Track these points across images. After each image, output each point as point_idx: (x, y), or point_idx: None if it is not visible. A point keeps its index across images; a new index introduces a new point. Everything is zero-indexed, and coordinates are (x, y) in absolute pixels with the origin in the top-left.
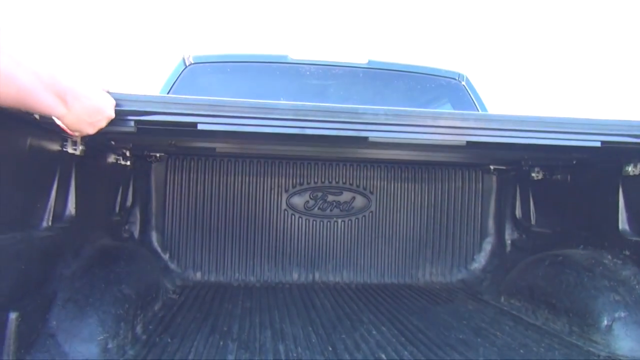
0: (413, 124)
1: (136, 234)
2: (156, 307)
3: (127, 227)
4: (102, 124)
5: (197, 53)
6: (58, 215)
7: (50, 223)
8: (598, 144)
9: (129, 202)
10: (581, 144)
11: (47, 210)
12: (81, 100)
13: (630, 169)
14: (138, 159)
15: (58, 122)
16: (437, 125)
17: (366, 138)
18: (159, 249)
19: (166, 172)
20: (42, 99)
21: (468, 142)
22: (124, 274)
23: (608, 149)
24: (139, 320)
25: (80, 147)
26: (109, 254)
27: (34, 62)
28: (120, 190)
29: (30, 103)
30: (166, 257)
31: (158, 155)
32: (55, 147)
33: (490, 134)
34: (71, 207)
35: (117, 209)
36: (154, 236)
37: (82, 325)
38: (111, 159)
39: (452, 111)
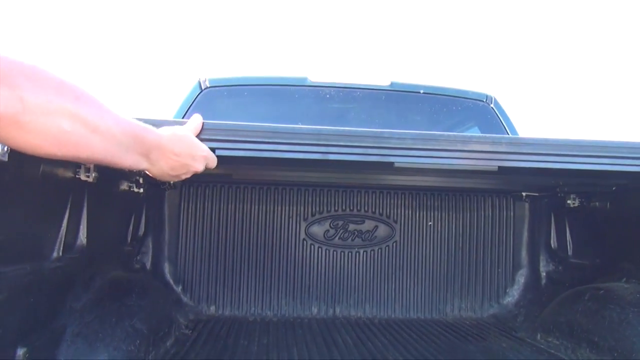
0: (441, 148)
1: (148, 264)
2: (168, 343)
3: (139, 257)
4: (187, 175)
5: (213, 76)
6: (69, 245)
7: (60, 253)
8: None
9: (141, 232)
10: (623, 169)
11: (58, 239)
12: (167, 156)
13: None
14: (151, 187)
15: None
16: (467, 150)
17: (392, 163)
18: (171, 281)
19: (180, 200)
20: (121, 161)
21: (500, 168)
22: (135, 308)
23: None
24: (151, 357)
25: (94, 174)
26: (120, 286)
27: (113, 124)
28: (133, 219)
29: (108, 163)
30: (179, 289)
31: (172, 182)
32: (68, 173)
33: (523, 158)
34: (82, 237)
35: (129, 238)
36: (167, 267)
37: None
38: (124, 186)
39: (483, 135)
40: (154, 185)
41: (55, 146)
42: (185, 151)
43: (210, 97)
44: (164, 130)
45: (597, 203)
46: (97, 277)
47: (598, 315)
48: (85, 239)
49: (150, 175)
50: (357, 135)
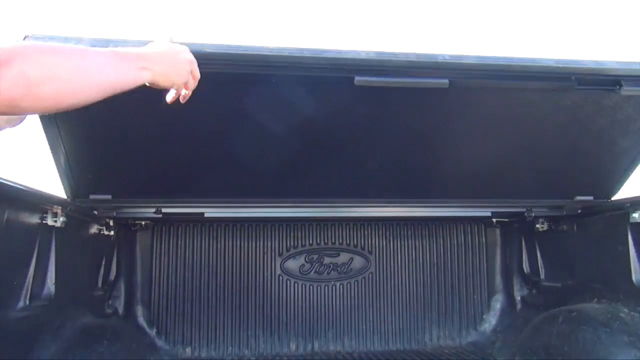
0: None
1: (120, 309)
2: None
3: (110, 302)
4: (188, 67)
5: None
6: (36, 292)
7: (27, 302)
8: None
9: (112, 275)
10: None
11: (25, 287)
12: (156, 60)
13: (637, 215)
14: (122, 228)
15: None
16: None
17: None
18: (145, 325)
19: (152, 240)
20: (125, 83)
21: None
22: (107, 355)
23: None
24: None
25: (61, 219)
26: (90, 333)
27: (102, 59)
28: (104, 263)
29: (118, 90)
30: (153, 332)
31: (143, 223)
32: (34, 219)
33: None
34: (50, 284)
35: (100, 283)
36: (140, 311)
37: None
38: (94, 229)
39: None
40: (126, 227)
41: (70, 96)
42: (165, 47)
43: None
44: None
45: (564, 226)
46: (67, 324)
47: (572, 337)
48: (54, 286)
49: (162, 86)
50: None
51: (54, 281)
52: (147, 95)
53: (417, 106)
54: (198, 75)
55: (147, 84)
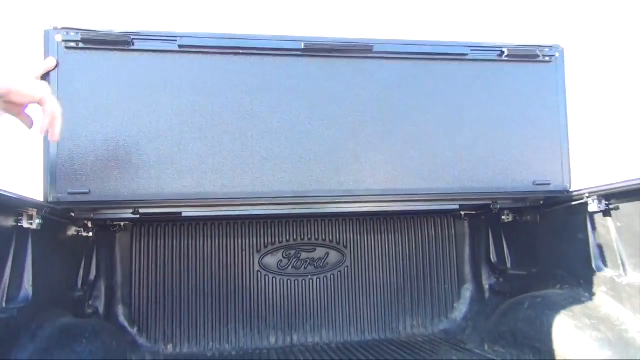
0: None
1: (101, 309)
2: None
3: (90, 302)
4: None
5: None
6: (13, 295)
7: (4, 304)
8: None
9: (92, 276)
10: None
11: (0, 290)
12: None
13: (595, 205)
14: (101, 230)
15: None
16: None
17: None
18: (126, 323)
19: (132, 241)
20: None
21: None
22: (86, 354)
23: None
24: None
25: (37, 221)
26: (69, 333)
27: None
28: (83, 264)
29: None
30: (134, 331)
31: (122, 224)
32: (8, 222)
33: None
34: (27, 285)
35: (79, 283)
36: (121, 310)
37: None
38: (72, 231)
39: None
40: (104, 228)
41: None
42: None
43: None
44: None
45: (528, 217)
46: (45, 325)
47: (537, 321)
48: (31, 288)
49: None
50: None
51: (31, 283)
52: None
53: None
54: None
55: None
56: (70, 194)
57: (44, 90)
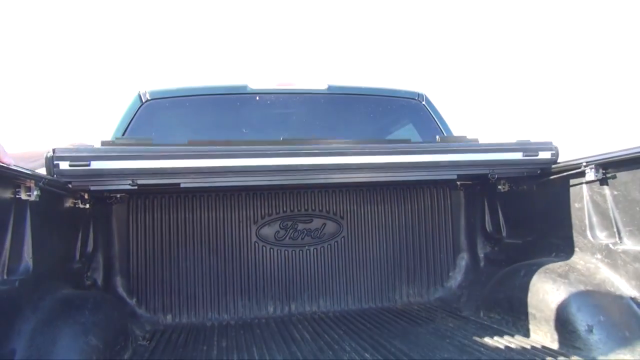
0: None
1: (100, 280)
2: (126, 356)
3: (89, 273)
4: None
5: (153, 88)
6: (13, 267)
7: (5, 276)
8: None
9: (90, 248)
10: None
11: (1, 262)
12: None
13: (592, 174)
14: (98, 201)
15: None
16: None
17: None
18: (125, 294)
19: (128, 212)
20: None
21: None
22: (89, 324)
23: None
24: None
25: (35, 193)
26: (71, 304)
27: None
28: (80, 236)
29: None
30: (133, 302)
31: (119, 195)
32: (7, 194)
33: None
34: (27, 258)
35: (77, 255)
36: (119, 281)
37: None
38: (69, 203)
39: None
40: (100, 200)
41: None
42: None
43: (151, 110)
44: None
45: (524, 186)
46: (47, 297)
47: (533, 288)
48: (31, 260)
49: None
50: None
51: (31, 255)
52: None
53: None
54: None
55: None
56: (71, 165)
57: None
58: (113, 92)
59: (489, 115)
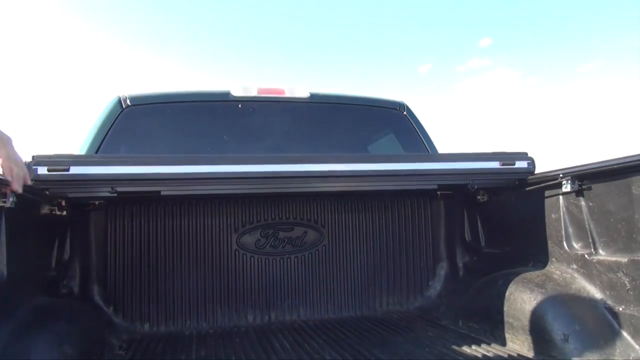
0: None
1: (76, 288)
2: None
3: (65, 282)
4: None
5: (133, 93)
6: None
7: None
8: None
9: (66, 255)
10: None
11: None
12: None
13: (568, 186)
14: (75, 208)
15: None
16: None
17: None
18: (101, 303)
19: (106, 220)
20: None
21: None
22: (64, 334)
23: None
24: None
25: (11, 199)
26: (46, 313)
27: None
28: (57, 243)
29: None
30: (110, 310)
31: (97, 202)
32: None
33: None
34: (1, 265)
35: (53, 263)
36: (96, 289)
37: None
38: (45, 209)
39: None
40: (78, 207)
41: None
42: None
43: (132, 116)
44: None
45: (503, 197)
46: (21, 305)
47: (511, 297)
48: (5, 267)
49: None
50: None
51: (5, 262)
52: None
53: None
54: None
55: None
56: (50, 170)
57: None
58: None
59: (466, 131)
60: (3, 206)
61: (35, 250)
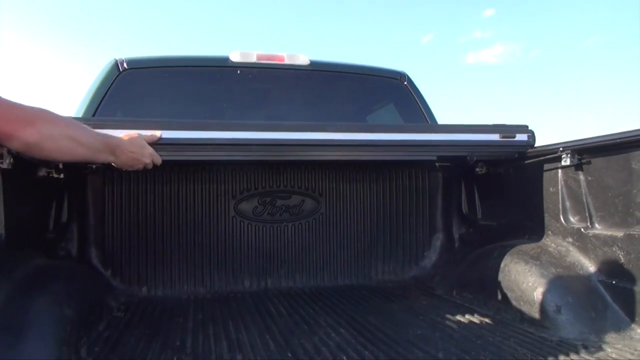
0: None
1: (74, 251)
2: (101, 327)
3: (63, 244)
4: (140, 166)
5: (131, 56)
6: None
7: None
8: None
9: (64, 218)
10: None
11: None
12: (125, 153)
13: (568, 160)
14: (72, 171)
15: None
16: None
17: None
18: (99, 266)
19: (104, 183)
20: (97, 159)
21: None
22: (63, 295)
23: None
24: (83, 342)
25: (8, 160)
26: (45, 274)
27: (90, 136)
28: (54, 205)
29: (89, 161)
30: (108, 273)
31: (94, 166)
32: None
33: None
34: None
35: (51, 225)
36: (94, 252)
37: (19, 354)
38: (42, 172)
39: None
40: (75, 170)
41: (59, 156)
42: (137, 150)
43: (129, 80)
44: (123, 135)
45: (501, 170)
46: (20, 266)
47: (505, 269)
48: (3, 228)
49: (115, 166)
50: None
51: (3, 223)
52: None
53: None
54: (159, 161)
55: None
56: None
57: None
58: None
59: (467, 103)
60: (0, 167)
61: (33, 212)
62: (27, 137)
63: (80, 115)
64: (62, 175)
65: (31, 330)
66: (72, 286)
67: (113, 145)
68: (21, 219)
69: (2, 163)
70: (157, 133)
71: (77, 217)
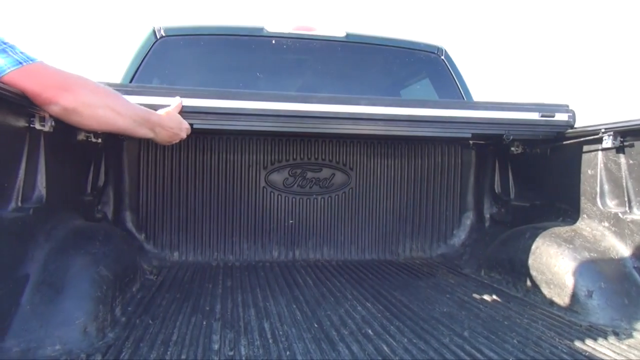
0: None
1: (109, 214)
2: (134, 289)
3: (99, 207)
4: (177, 140)
5: (169, 24)
6: (27, 195)
7: (19, 203)
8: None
9: (101, 182)
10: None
11: (16, 189)
12: (165, 129)
13: (609, 141)
14: (109, 137)
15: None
16: None
17: None
18: (133, 230)
19: (139, 149)
20: (137, 133)
21: None
22: (100, 255)
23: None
24: (118, 302)
25: (49, 123)
26: (83, 235)
27: (130, 109)
28: (92, 169)
29: (129, 134)
30: (142, 237)
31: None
32: (22, 123)
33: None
34: (41, 187)
35: (89, 188)
36: (128, 216)
37: (58, 309)
38: (81, 136)
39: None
40: (112, 136)
41: (97, 125)
42: (176, 125)
43: (165, 47)
44: (162, 112)
45: (538, 150)
46: (59, 226)
47: (537, 251)
48: (44, 189)
49: (154, 142)
50: None
51: (44, 184)
52: None
53: None
54: (189, 132)
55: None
56: None
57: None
58: (123, 32)
59: (503, 79)
60: (42, 130)
61: (72, 174)
62: (65, 103)
63: (118, 82)
64: (100, 140)
65: (70, 287)
66: (107, 247)
67: (154, 122)
68: (61, 181)
69: (43, 126)
70: (177, 99)
71: (113, 181)
